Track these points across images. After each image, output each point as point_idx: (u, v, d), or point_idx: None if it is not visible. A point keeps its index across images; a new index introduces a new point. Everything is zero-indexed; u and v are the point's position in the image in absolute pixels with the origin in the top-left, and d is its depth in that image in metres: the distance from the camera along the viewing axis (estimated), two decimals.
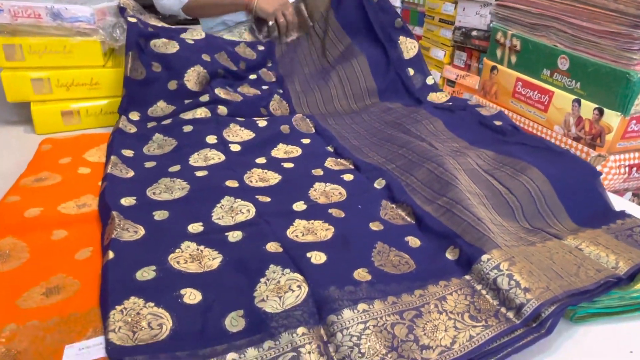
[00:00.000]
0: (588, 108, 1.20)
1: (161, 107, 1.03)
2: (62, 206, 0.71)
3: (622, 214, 0.72)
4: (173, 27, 1.18)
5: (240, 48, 1.21)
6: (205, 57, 1.10)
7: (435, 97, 1.15)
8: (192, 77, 1.06)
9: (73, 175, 0.80)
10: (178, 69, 1.06)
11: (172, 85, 1.05)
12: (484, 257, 0.59)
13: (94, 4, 1.07)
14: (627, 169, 1.24)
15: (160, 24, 1.18)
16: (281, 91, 1.13)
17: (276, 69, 1.22)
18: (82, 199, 0.74)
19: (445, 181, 0.74)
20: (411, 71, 1.20)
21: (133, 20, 1.07)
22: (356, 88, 1.15)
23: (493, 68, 1.48)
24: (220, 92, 1.05)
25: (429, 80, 1.20)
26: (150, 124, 0.99)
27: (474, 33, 1.70)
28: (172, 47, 1.07)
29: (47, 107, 1.03)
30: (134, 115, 1.01)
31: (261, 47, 1.24)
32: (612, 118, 1.16)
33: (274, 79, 1.20)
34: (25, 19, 0.98)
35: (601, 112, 1.18)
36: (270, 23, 1.28)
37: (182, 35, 1.13)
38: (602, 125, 1.18)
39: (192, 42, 1.12)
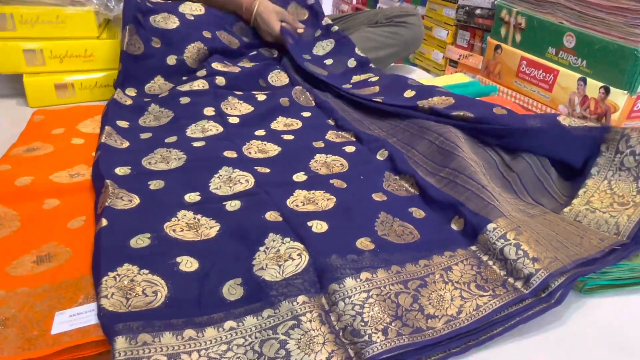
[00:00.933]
0: (594, 87, 1.18)
1: (158, 84, 1.00)
2: (55, 175, 0.69)
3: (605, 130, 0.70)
4: (170, 1, 1.15)
5: (237, 27, 1.18)
6: (206, 34, 1.08)
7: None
8: (192, 53, 1.03)
9: (66, 145, 0.78)
10: (178, 44, 1.03)
11: (171, 60, 1.02)
12: (490, 226, 0.57)
13: None
14: None
15: None
16: (280, 66, 1.10)
17: (277, 46, 1.19)
18: (75, 168, 0.71)
19: (447, 151, 0.72)
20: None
21: None
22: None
23: (497, 47, 1.45)
24: (217, 66, 1.02)
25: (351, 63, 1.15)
26: (147, 98, 0.96)
27: (478, 11, 1.66)
28: (172, 23, 1.05)
29: (40, 79, 1.00)
30: (131, 92, 0.98)
31: None
32: (619, 97, 1.14)
33: (275, 55, 1.17)
34: None
35: (607, 91, 1.16)
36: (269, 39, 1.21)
37: (181, 9, 1.10)
38: (608, 105, 1.16)
39: (192, 17, 1.09)
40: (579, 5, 1.22)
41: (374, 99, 0.92)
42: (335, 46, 1.15)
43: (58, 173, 0.70)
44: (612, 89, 1.15)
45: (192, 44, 1.04)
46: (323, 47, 1.16)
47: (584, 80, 1.21)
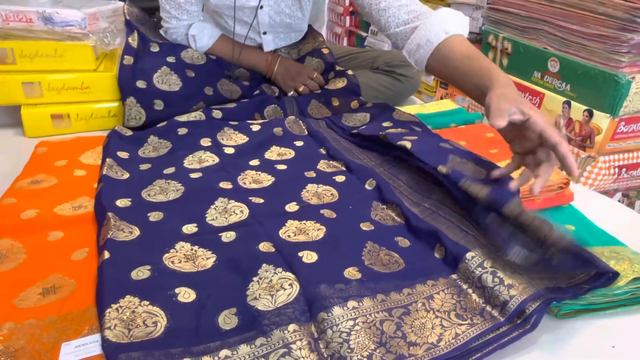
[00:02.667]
0: (578, 110, 1.22)
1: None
2: (58, 208, 0.73)
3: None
4: (170, 43, 1.17)
5: (237, 71, 1.21)
6: (208, 91, 1.10)
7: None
8: (195, 112, 1.04)
9: (69, 177, 0.81)
10: (181, 106, 1.05)
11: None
12: (469, 255, 0.60)
13: (89, 7, 1.08)
14: (616, 169, 1.26)
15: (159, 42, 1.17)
16: (278, 102, 1.13)
17: (278, 85, 1.23)
18: (78, 200, 0.75)
19: (429, 183, 0.76)
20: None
21: (129, 61, 1.05)
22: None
23: None
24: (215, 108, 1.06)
25: None
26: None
27: (467, 36, 1.71)
28: (175, 85, 1.06)
29: (37, 110, 1.04)
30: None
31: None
32: (602, 120, 1.18)
33: (276, 93, 1.20)
34: (17, 23, 0.99)
35: (591, 114, 1.20)
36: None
37: (183, 56, 1.12)
38: (592, 127, 1.20)
39: (193, 74, 1.10)
40: (561, 32, 1.27)
41: (352, 131, 0.98)
42: (346, 85, 1.17)
43: (62, 205, 0.73)
44: (595, 112, 1.19)
45: (195, 106, 1.07)
46: (335, 83, 1.18)
47: (568, 103, 1.25)
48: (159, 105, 1.03)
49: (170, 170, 0.83)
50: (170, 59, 1.09)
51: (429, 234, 0.65)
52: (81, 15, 1.01)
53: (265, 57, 1.23)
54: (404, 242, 0.67)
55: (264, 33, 1.22)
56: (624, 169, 1.28)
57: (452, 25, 0.89)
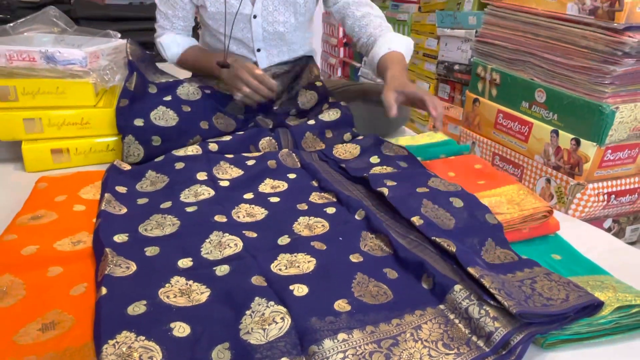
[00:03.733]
0: (565, 138, 1.25)
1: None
2: (58, 243, 0.75)
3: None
4: (170, 82, 1.20)
5: (230, 106, 1.22)
6: (204, 125, 1.12)
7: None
8: (192, 146, 1.07)
9: (68, 212, 0.84)
10: (178, 141, 1.08)
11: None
12: (456, 287, 0.62)
13: (90, 45, 1.12)
14: (605, 196, 1.28)
15: (160, 79, 1.21)
16: (273, 134, 1.16)
17: (274, 119, 1.25)
18: (77, 235, 0.77)
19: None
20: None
21: (124, 103, 1.08)
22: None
23: (475, 100, 1.54)
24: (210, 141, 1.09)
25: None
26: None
27: (456, 67, 1.76)
28: (172, 120, 1.09)
29: (37, 145, 1.06)
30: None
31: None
32: (589, 148, 1.21)
33: (270, 126, 1.22)
34: (20, 62, 1.03)
35: (578, 143, 1.23)
36: (237, 98, 1.16)
37: (179, 92, 1.14)
38: (580, 155, 1.23)
39: (189, 109, 1.12)
40: (547, 64, 1.31)
41: (341, 165, 1.01)
42: (340, 117, 1.19)
43: (61, 241, 0.75)
44: (582, 140, 1.22)
45: (191, 139, 1.10)
46: (329, 114, 1.20)
47: (556, 132, 1.28)
48: (156, 141, 1.06)
49: (167, 204, 0.86)
50: (167, 98, 1.12)
51: (417, 264, 0.68)
52: (82, 54, 1.04)
53: (218, 59, 1.19)
54: (392, 273, 0.69)
55: (258, 50, 1.27)
56: (613, 196, 1.30)
57: (395, 44, 1.21)
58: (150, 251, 0.72)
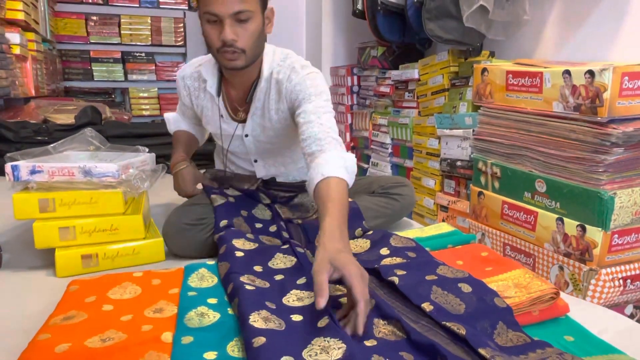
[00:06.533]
0: (571, 225, 1.29)
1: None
2: (89, 341, 0.78)
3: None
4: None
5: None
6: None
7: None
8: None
9: (98, 312, 0.88)
10: None
11: None
12: None
13: (122, 159, 1.23)
14: (621, 281, 1.28)
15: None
16: (285, 231, 1.21)
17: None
18: (106, 333, 0.81)
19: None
20: None
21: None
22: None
23: (479, 194, 1.61)
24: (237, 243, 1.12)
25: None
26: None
27: (459, 163, 1.86)
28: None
29: (69, 252, 1.12)
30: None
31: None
32: (595, 233, 1.24)
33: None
34: (60, 177, 1.13)
35: (584, 229, 1.26)
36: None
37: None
38: (587, 241, 1.26)
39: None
40: (543, 156, 1.39)
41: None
42: (350, 212, 1.18)
43: (92, 339, 0.79)
44: (587, 226, 1.25)
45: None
46: None
47: (561, 220, 1.32)
48: None
49: None
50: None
51: (430, 347, 0.70)
52: (116, 167, 1.15)
53: (176, 159, 1.41)
54: (408, 356, 0.71)
55: (255, 161, 1.40)
56: (629, 280, 1.30)
57: (329, 170, 1.03)
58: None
